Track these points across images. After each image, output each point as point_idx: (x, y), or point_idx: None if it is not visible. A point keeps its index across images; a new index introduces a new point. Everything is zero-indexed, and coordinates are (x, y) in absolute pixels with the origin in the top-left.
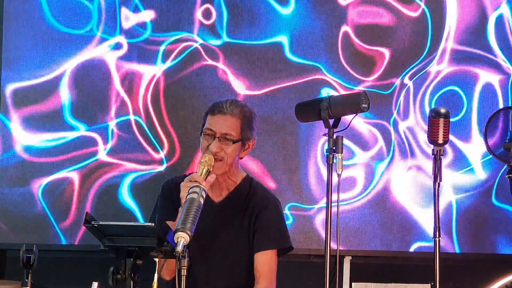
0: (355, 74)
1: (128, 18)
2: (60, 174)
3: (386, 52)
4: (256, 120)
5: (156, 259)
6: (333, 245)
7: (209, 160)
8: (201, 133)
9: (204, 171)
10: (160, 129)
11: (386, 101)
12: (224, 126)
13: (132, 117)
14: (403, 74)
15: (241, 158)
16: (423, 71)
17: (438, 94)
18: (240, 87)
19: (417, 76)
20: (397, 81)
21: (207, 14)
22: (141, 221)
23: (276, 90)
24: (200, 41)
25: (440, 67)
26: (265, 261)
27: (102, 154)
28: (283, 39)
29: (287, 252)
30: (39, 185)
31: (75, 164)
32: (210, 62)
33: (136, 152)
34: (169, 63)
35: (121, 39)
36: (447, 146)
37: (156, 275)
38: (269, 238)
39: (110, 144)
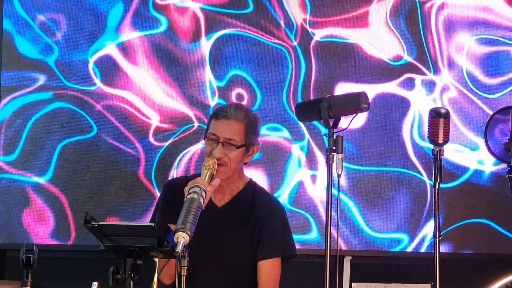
0: None
1: None
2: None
3: None
4: (260, 125)
5: (156, 259)
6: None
7: (212, 164)
8: (205, 137)
9: (208, 175)
10: None
11: None
12: (228, 131)
13: None
14: None
15: (246, 164)
16: None
17: None
18: None
19: None
20: None
21: None
22: None
23: None
24: None
25: None
26: (269, 269)
27: None
28: None
29: (291, 258)
30: (37, 183)
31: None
32: None
33: None
34: None
35: None
36: None
37: (156, 275)
38: (274, 246)
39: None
